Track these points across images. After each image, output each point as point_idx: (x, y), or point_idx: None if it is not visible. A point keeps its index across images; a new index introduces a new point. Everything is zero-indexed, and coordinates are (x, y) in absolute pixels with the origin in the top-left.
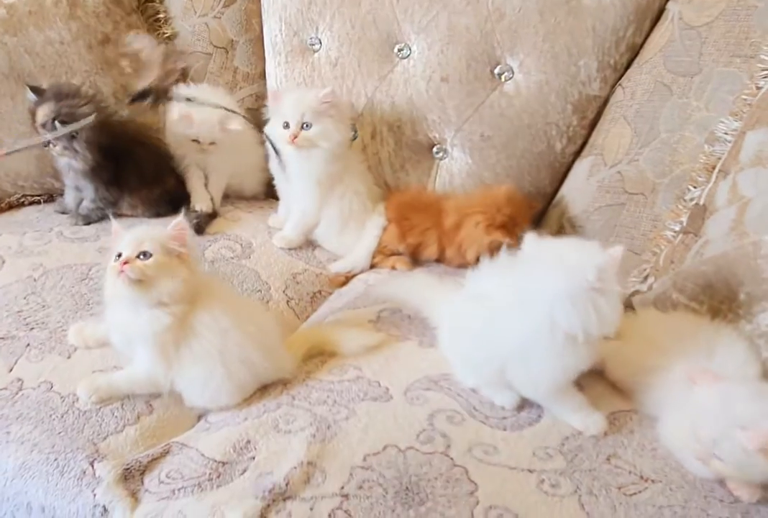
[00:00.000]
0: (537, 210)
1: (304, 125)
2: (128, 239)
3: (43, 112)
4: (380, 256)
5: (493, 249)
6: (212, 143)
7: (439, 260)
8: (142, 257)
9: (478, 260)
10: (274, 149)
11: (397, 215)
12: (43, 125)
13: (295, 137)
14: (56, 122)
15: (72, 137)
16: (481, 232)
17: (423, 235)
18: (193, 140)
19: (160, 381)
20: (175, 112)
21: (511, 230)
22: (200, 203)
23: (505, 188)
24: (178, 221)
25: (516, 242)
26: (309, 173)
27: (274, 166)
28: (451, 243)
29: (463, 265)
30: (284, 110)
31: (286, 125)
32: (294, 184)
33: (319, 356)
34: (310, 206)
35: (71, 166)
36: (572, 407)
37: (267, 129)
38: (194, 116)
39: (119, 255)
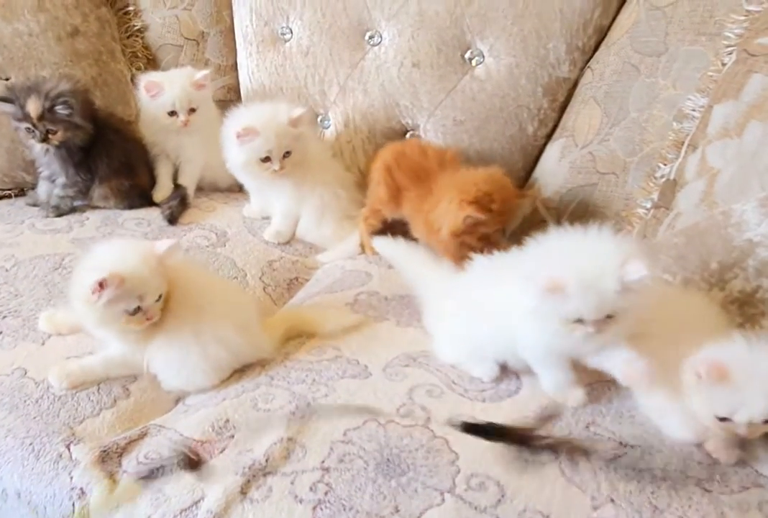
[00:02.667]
0: (523, 200)
1: (285, 153)
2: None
3: (34, 105)
4: (370, 221)
5: (469, 226)
6: (192, 110)
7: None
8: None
9: (457, 239)
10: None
11: (391, 176)
12: (41, 117)
13: (283, 169)
14: (56, 108)
15: (67, 119)
16: (455, 207)
17: (417, 208)
18: (171, 114)
19: (136, 363)
20: (141, 87)
21: (485, 206)
22: (159, 192)
23: (491, 170)
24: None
25: (492, 220)
26: (281, 180)
27: (237, 176)
28: (430, 226)
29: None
30: (262, 147)
31: (266, 159)
32: (269, 191)
33: (297, 337)
34: (290, 201)
35: (58, 149)
36: (559, 380)
37: (236, 164)
38: (161, 81)
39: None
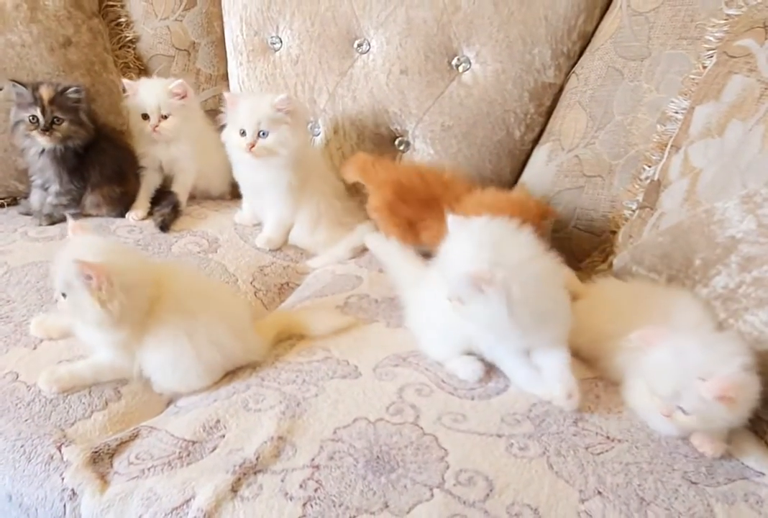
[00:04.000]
0: (550, 221)
1: (261, 133)
2: None
3: (47, 89)
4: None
5: None
6: (165, 117)
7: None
8: None
9: None
10: None
11: (396, 213)
12: (52, 100)
13: (252, 146)
14: (67, 92)
15: (75, 109)
16: None
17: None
18: (144, 117)
19: (124, 368)
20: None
21: None
22: (136, 210)
23: (519, 193)
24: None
25: None
26: (278, 180)
27: (237, 173)
28: None
29: None
30: (240, 118)
31: (243, 133)
32: (266, 192)
33: (288, 339)
34: (285, 210)
35: (54, 152)
36: (523, 374)
37: (224, 135)
38: (138, 84)
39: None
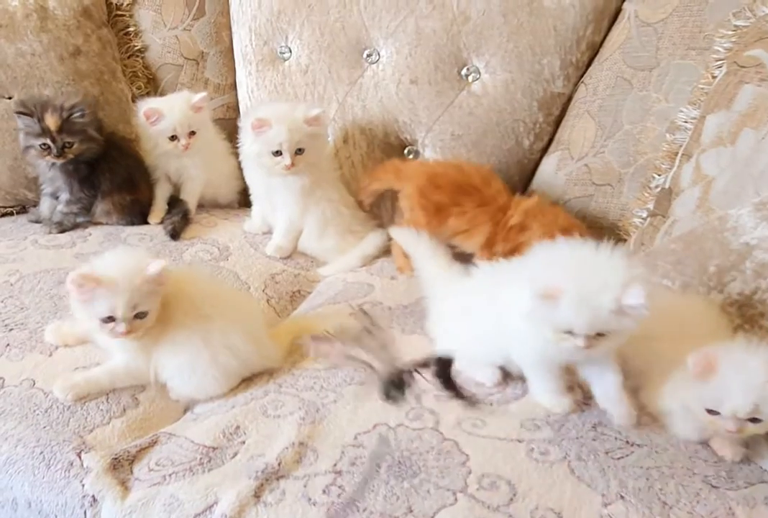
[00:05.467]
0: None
1: (298, 150)
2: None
3: (52, 118)
4: None
5: None
6: (192, 133)
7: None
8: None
9: None
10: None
11: (426, 198)
12: (60, 129)
13: (293, 165)
14: (72, 117)
15: (84, 129)
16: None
17: (473, 223)
18: (172, 139)
19: (141, 373)
20: (140, 114)
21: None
22: (153, 217)
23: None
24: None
25: None
26: (294, 185)
27: (249, 177)
28: (507, 240)
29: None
30: (274, 139)
31: (278, 153)
32: (278, 195)
33: (304, 347)
34: (295, 213)
35: (64, 164)
36: (549, 387)
37: (249, 155)
38: (160, 107)
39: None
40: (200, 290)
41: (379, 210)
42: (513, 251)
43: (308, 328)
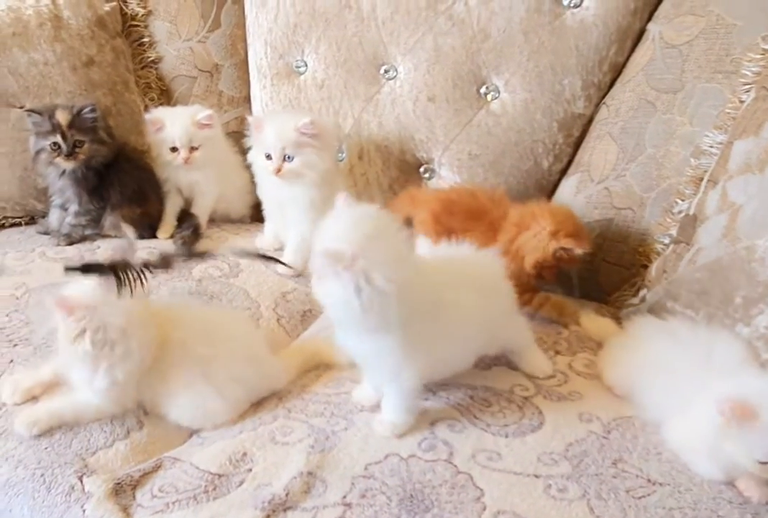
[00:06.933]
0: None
1: (286, 157)
2: None
3: (63, 114)
4: None
5: (558, 259)
6: (194, 149)
7: None
8: None
9: (537, 270)
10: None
11: (440, 223)
12: (71, 124)
13: (279, 170)
14: (83, 113)
15: (94, 128)
16: (545, 237)
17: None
18: (173, 150)
19: (111, 412)
20: (146, 121)
21: (579, 242)
22: (163, 232)
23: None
24: None
25: (578, 258)
26: (302, 198)
27: (261, 191)
28: (507, 252)
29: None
30: (265, 142)
31: (269, 157)
32: (289, 209)
33: (314, 369)
34: (307, 229)
35: (74, 173)
36: None
37: (251, 157)
38: (163, 117)
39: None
40: (190, 331)
41: None
42: (516, 261)
43: (318, 350)
